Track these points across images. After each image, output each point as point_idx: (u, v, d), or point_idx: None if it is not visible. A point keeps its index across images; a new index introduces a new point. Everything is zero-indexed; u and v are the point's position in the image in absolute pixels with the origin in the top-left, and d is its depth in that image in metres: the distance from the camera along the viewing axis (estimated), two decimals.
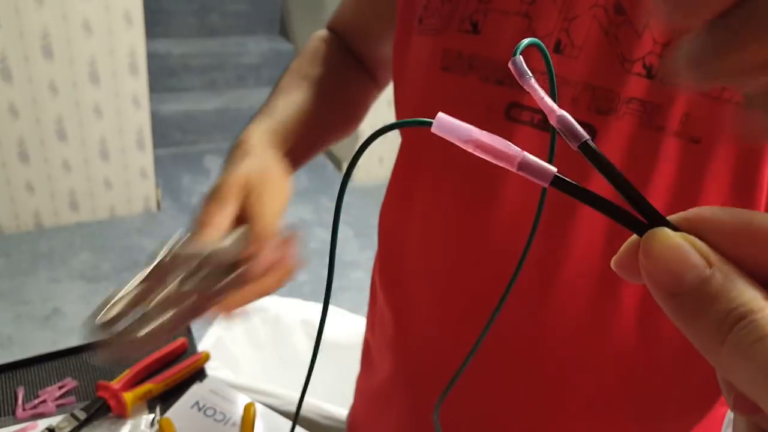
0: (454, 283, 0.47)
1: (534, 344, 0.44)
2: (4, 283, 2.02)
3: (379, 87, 0.65)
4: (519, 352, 0.45)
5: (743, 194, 0.36)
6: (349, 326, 1.33)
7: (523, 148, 0.41)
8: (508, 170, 0.36)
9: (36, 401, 0.68)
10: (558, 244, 0.40)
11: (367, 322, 0.63)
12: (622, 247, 0.17)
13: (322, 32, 0.64)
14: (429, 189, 0.47)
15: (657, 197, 0.37)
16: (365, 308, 2.04)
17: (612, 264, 0.17)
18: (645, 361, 0.41)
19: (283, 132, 0.53)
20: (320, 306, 1.06)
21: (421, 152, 0.48)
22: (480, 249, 0.44)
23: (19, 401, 0.68)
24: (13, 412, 0.67)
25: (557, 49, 0.39)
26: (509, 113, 0.40)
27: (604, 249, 0.39)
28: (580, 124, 0.39)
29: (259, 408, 0.67)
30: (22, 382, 0.70)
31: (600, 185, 0.38)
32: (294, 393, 1.00)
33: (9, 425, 0.66)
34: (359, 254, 2.49)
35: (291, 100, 0.55)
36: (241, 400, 0.68)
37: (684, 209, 0.38)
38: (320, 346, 1.06)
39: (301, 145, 0.53)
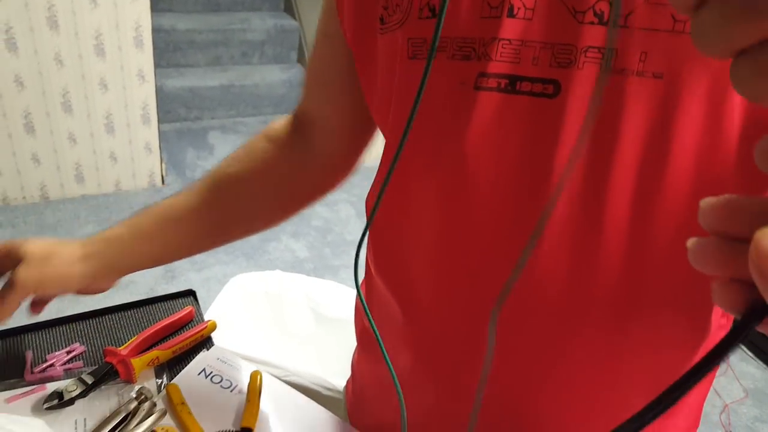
0: (450, 260, 0.47)
1: (525, 296, 0.45)
2: None
3: (327, 182, 0.68)
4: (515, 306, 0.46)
5: (715, 125, 0.37)
6: (351, 302, 1.34)
7: (490, 113, 0.42)
8: (489, 162, 0.36)
9: (44, 365, 0.69)
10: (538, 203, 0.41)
11: (362, 307, 0.64)
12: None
13: (276, 123, 0.66)
14: (414, 182, 0.48)
15: (631, 139, 0.38)
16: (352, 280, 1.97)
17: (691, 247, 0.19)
18: (633, 292, 0.43)
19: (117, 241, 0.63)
20: (324, 282, 1.08)
21: (404, 150, 0.50)
22: (468, 228, 0.45)
23: (28, 365, 0.69)
24: (22, 375, 0.68)
25: (510, 13, 0.39)
26: (477, 83, 0.41)
27: (582, 205, 0.40)
28: (543, 81, 0.39)
29: (265, 377, 0.68)
30: (30, 346, 0.72)
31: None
32: (297, 365, 1.01)
33: (18, 387, 0.67)
34: (360, 233, 2.50)
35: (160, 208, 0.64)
36: (248, 369, 0.69)
37: (659, 146, 0.39)
38: (323, 321, 1.07)
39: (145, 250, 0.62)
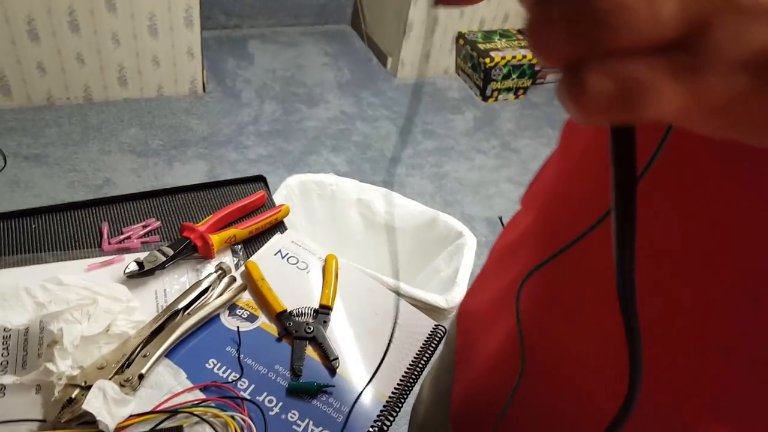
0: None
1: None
2: (57, 150, 2.06)
3: None
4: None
5: None
6: (398, 209, 1.33)
7: None
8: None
9: (121, 237, 0.69)
10: None
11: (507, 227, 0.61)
12: None
13: None
14: None
15: None
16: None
17: None
18: None
19: None
20: (375, 188, 1.04)
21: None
22: None
23: (105, 235, 0.69)
24: (100, 245, 0.69)
25: None
26: None
27: None
28: None
29: (341, 260, 0.68)
30: (105, 219, 0.72)
31: None
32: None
33: (96, 256, 0.67)
34: (399, 150, 2.46)
35: None
36: (321, 253, 0.69)
37: None
38: (372, 227, 1.05)
39: None
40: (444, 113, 2.74)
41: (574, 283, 0.45)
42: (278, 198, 1.18)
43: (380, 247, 1.28)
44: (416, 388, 0.64)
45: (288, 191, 1.20)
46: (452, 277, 1.12)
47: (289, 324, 0.60)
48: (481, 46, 2.84)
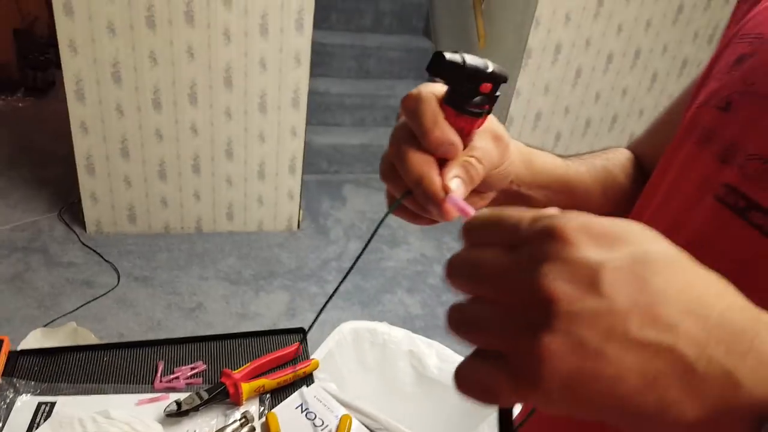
0: None
1: None
2: (163, 274, 2.32)
3: None
4: None
5: None
6: (449, 365, 1.33)
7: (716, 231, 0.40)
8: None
9: (171, 376, 0.79)
10: None
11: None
12: None
13: (627, 157, 0.64)
14: None
15: None
16: (459, 346, 1.92)
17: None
18: None
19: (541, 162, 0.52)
20: (429, 341, 1.08)
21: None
22: None
23: (159, 373, 0.80)
24: (152, 382, 0.79)
25: None
26: (719, 194, 0.39)
27: None
28: None
29: (354, 423, 0.72)
30: (162, 357, 0.82)
31: None
32: (391, 420, 1.02)
33: (147, 392, 0.77)
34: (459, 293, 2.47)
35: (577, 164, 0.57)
36: (339, 412, 0.73)
37: None
38: (423, 381, 1.07)
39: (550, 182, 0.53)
40: None
41: None
42: (330, 342, 1.25)
43: (429, 403, 1.28)
44: None
45: (340, 337, 1.27)
46: None
47: None
48: None
